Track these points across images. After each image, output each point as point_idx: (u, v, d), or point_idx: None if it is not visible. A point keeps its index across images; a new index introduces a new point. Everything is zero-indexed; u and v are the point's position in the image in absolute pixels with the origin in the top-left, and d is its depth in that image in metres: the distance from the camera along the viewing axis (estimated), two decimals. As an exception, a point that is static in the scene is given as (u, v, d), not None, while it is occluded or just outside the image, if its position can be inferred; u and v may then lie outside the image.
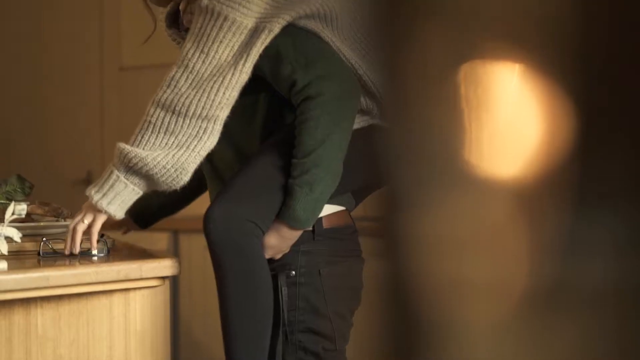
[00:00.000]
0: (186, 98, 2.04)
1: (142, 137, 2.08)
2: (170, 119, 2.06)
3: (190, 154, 2.07)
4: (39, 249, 2.11)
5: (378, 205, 0.63)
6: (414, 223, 0.56)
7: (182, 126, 2.06)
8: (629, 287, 0.58)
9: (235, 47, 2.04)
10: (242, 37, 2.04)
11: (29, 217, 2.33)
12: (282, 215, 2.06)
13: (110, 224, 2.40)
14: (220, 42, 2.02)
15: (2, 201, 2.24)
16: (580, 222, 0.56)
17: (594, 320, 0.58)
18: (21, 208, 2.06)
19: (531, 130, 0.49)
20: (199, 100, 2.04)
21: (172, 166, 2.06)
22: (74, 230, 2.10)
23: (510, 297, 0.58)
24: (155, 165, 2.06)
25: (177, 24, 2.30)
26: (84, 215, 2.11)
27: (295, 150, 2.05)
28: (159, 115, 2.07)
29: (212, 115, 2.06)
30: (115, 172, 2.09)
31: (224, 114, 2.08)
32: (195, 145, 2.07)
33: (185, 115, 2.05)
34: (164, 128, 2.06)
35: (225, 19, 2.02)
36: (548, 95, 0.48)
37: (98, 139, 4.76)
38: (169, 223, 4.32)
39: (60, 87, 4.90)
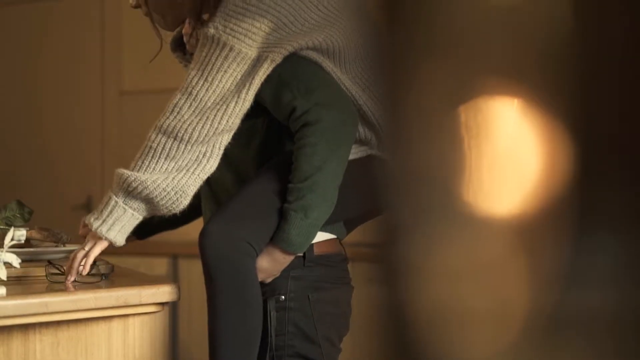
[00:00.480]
0: (189, 125, 2.06)
1: (143, 162, 2.09)
2: (171, 144, 2.07)
3: (190, 177, 2.08)
4: (46, 273, 2.11)
5: (376, 232, 0.63)
6: (413, 252, 0.56)
7: (182, 152, 2.07)
8: (629, 316, 0.58)
9: (239, 77, 2.06)
10: (246, 66, 2.06)
11: (28, 242, 2.32)
12: (277, 238, 2.08)
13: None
14: (225, 71, 2.05)
15: (2, 227, 2.23)
16: (580, 251, 0.56)
17: (594, 349, 0.58)
18: (20, 234, 2.06)
19: (530, 163, 0.49)
20: (202, 127, 2.06)
21: (172, 189, 2.07)
22: (73, 257, 2.10)
23: (510, 327, 0.58)
24: (155, 188, 2.07)
25: (182, 47, 2.33)
26: (86, 243, 2.12)
27: (292, 175, 2.07)
28: (160, 140, 2.08)
29: (213, 141, 2.07)
30: (114, 197, 2.10)
31: (225, 138, 2.09)
32: (195, 169, 2.08)
33: (188, 141, 2.07)
34: (165, 153, 2.08)
35: (231, 49, 2.04)
36: (547, 129, 0.49)
37: (98, 163, 4.77)
38: (168, 248, 4.32)
39: (61, 112, 4.91)
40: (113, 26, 4.71)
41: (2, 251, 2.04)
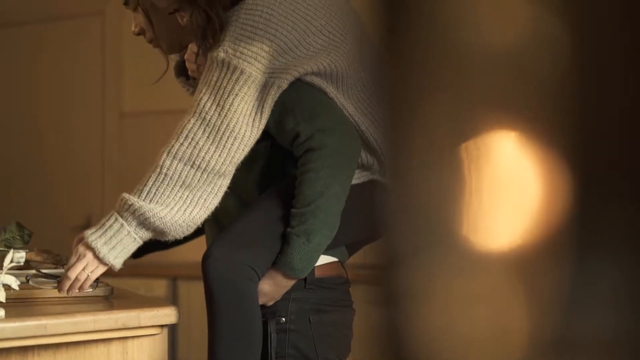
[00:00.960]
0: (206, 152, 2.06)
1: (157, 189, 2.07)
2: (188, 172, 2.06)
3: (205, 210, 2.09)
4: (27, 279, 2.12)
5: (377, 255, 0.63)
6: (413, 278, 0.56)
7: (199, 180, 2.07)
8: (628, 342, 0.58)
9: (250, 101, 2.06)
10: (257, 91, 2.06)
11: (27, 264, 2.32)
12: (279, 263, 2.09)
13: None
14: (236, 95, 2.05)
15: (1, 249, 2.23)
16: (579, 278, 0.56)
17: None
18: (20, 256, 2.06)
19: (530, 194, 0.49)
20: (219, 155, 2.06)
21: (184, 222, 2.08)
22: (76, 279, 2.10)
23: (510, 353, 0.58)
24: (172, 224, 2.07)
25: (185, 72, 2.33)
26: (86, 266, 2.11)
27: (294, 200, 2.08)
28: (176, 167, 2.06)
29: (228, 172, 2.08)
30: (125, 227, 2.08)
31: (235, 169, 2.11)
32: (211, 202, 2.09)
33: (204, 170, 2.06)
34: (181, 181, 2.07)
35: (242, 72, 2.05)
36: (546, 160, 0.49)
37: (99, 184, 4.77)
38: (167, 270, 4.32)
39: (61, 132, 4.92)
40: (114, 47, 4.72)
41: (1, 273, 2.04)
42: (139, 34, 2.26)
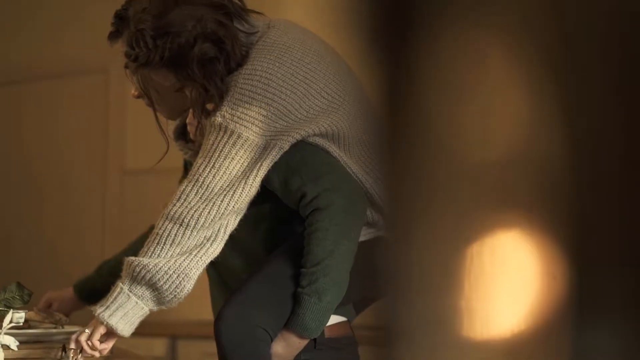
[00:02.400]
0: (195, 211, 2.08)
1: (149, 248, 2.11)
2: (177, 230, 2.09)
3: (192, 260, 2.09)
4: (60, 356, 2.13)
5: (376, 316, 0.63)
6: (412, 356, 0.56)
7: (187, 237, 2.09)
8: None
9: (245, 163, 2.09)
10: (253, 153, 2.08)
11: (26, 323, 2.31)
12: (291, 323, 2.09)
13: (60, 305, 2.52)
14: (232, 158, 2.07)
15: (1, 309, 2.23)
16: (580, 344, 0.56)
17: None
18: (19, 316, 2.05)
19: (529, 281, 0.50)
20: (208, 212, 2.08)
21: (174, 272, 2.08)
22: (77, 342, 2.11)
23: None
24: (157, 272, 2.07)
25: (185, 135, 2.35)
26: (88, 327, 2.13)
27: (304, 260, 2.09)
28: (166, 227, 2.10)
29: (218, 224, 2.09)
30: (120, 284, 2.11)
31: (231, 222, 2.11)
32: (198, 252, 2.09)
33: (194, 227, 2.08)
34: (170, 240, 2.09)
35: (239, 136, 2.07)
36: (543, 249, 0.49)
37: (99, 243, 4.76)
38: (167, 328, 4.29)
39: (62, 190, 4.92)
40: (117, 105, 4.75)
41: (0, 333, 2.03)
42: (138, 97, 2.28)
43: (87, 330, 2.11)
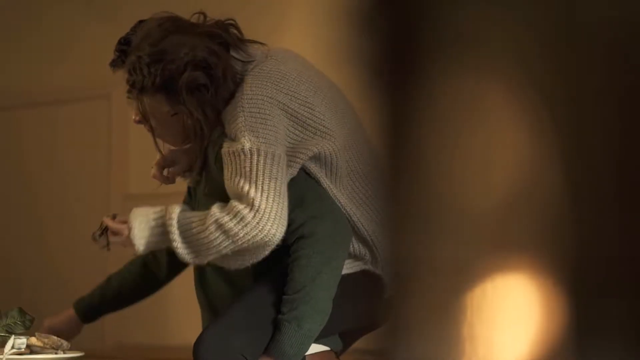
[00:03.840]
0: (246, 233, 2.11)
1: (192, 235, 2.16)
2: (222, 241, 2.12)
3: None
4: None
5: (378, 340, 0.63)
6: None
7: (224, 248, 2.13)
8: None
9: (284, 180, 2.13)
10: (284, 166, 2.12)
11: (28, 349, 2.31)
12: (270, 349, 2.11)
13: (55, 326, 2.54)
14: (276, 178, 2.09)
15: (2, 334, 2.23)
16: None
17: None
18: (21, 342, 2.06)
19: (529, 317, 0.50)
20: (253, 237, 2.11)
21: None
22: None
23: None
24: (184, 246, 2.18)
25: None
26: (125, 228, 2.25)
27: (286, 286, 2.12)
28: (216, 235, 2.12)
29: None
30: (172, 223, 2.18)
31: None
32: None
33: (234, 243, 2.12)
34: (213, 246, 2.14)
35: (274, 155, 2.09)
36: (543, 286, 0.50)
37: (102, 266, 4.76)
38: (167, 353, 4.28)
39: (65, 215, 4.93)
40: (120, 130, 4.77)
41: (2, 359, 2.03)
42: (139, 122, 2.31)
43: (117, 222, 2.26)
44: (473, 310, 0.53)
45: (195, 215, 2.18)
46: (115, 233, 2.33)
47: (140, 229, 2.23)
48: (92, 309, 2.61)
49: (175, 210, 2.21)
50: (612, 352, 0.55)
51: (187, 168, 2.35)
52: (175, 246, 2.17)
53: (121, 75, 2.28)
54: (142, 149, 4.61)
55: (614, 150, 0.51)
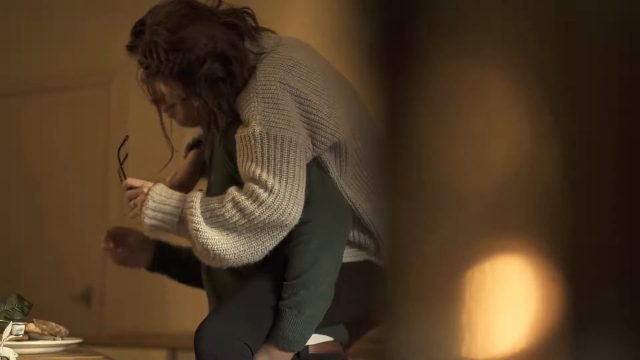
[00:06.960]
0: (261, 213, 2.09)
1: (211, 215, 2.13)
2: (238, 219, 2.11)
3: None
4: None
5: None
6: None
7: (242, 228, 2.12)
8: None
9: (300, 164, 2.11)
10: (300, 151, 2.11)
11: (26, 335, 2.31)
12: (272, 336, 2.11)
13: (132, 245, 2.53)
14: (288, 162, 2.08)
15: (1, 320, 2.23)
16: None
17: None
18: (19, 328, 2.06)
19: (527, 302, 0.50)
20: (269, 216, 2.09)
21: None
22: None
23: None
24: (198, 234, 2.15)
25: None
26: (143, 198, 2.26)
27: (286, 273, 2.11)
28: (233, 213, 2.11)
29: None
30: (194, 210, 2.15)
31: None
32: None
33: (249, 224, 2.11)
34: (230, 223, 2.11)
35: (283, 139, 2.09)
36: (541, 270, 0.50)
37: (99, 254, 4.76)
38: (166, 340, 4.29)
39: (63, 203, 4.93)
40: (119, 118, 4.76)
41: (0, 345, 2.04)
42: (154, 101, 2.30)
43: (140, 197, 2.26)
44: (471, 295, 0.53)
45: (214, 198, 2.18)
46: (132, 189, 2.31)
47: (157, 199, 2.22)
48: (167, 253, 2.56)
49: (198, 194, 2.19)
50: (609, 338, 0.56)
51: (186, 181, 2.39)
52: (193, 227, 2.13)
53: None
54: (140, 136, 4.61)
55: (613, 136, 0.52)
